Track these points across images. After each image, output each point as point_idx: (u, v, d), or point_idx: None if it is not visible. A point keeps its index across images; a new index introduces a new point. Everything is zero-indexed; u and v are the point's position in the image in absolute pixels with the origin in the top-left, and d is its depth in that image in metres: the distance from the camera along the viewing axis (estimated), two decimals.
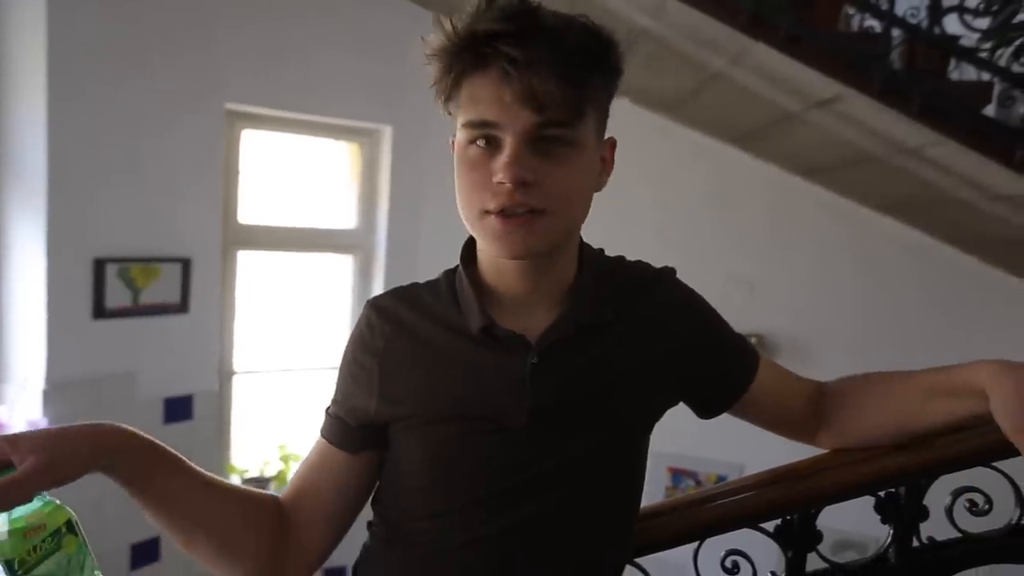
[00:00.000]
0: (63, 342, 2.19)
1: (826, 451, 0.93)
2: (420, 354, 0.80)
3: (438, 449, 0.79)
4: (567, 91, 0.68)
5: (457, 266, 0.84)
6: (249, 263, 2.73)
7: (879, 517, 0.91)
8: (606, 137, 0.80)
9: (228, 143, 2.56)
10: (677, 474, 2.82)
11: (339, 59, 2.64)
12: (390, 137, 2.83)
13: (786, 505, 0.90)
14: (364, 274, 2.90)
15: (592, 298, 0.81)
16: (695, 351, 0.85)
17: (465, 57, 0.70)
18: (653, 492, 2.78)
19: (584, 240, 0.86)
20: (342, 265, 2.90)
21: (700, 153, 2.68)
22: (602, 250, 0.90)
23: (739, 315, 2.64)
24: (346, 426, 0.83)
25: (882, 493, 0.90)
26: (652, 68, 2.33)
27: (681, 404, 0.89)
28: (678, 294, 0.87)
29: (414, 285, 0.87)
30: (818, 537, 0.92)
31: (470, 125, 0.71)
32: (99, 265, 2.24)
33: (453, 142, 0.77)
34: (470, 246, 0.83)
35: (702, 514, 0.92)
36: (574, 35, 0.69)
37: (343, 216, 2.91)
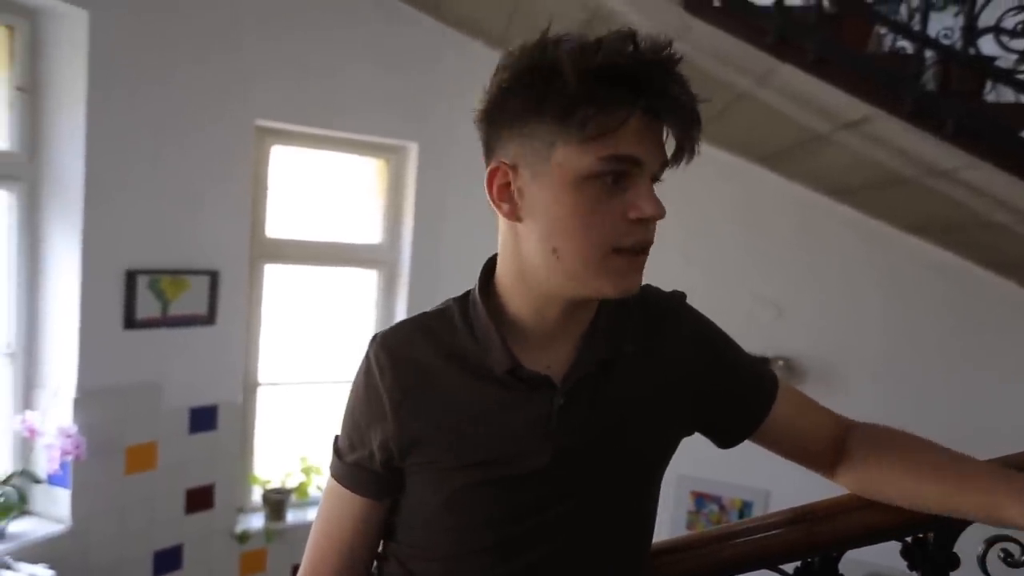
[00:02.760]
0: (94, 351, 2.22)
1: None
2: (437, 395, 0.76)
3: (454, 495, 0.76)
4: (690, 140, 0.69)
5: (468, 295, 0.80)
6: (276, 276, 2.75)
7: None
8: None
9: (257, 158, 2.59)
10: (701, 498, 2.75)
11: (366, 76, 2.66)
12: (416, 154, 2.84)
13: (807, 548, 0.86)
14: (388, 289, 2.91)
15: (612, 331, 0.78)
16: (707, 379, 0.82)
17: (616, 90, 0.65)
18: (675, 516, 2.71)
19: None
20: (367, 280, 2.91)
21: (726, 173, 2.63)
22: None
23: (765, 337, 2.64)
24: (369, 473, 0.79)
25: (909, 538, 0.85)
26: None
27: None
28: (689, 321, 0.84)
29: (423, 317, 0.82)
30: None
31: (611, 159, 0.67)
32: (131, 277, 2.27)
33: (504, 170, 0.71)
34: (488, 274, 0.79)
35: (720, 553, 0.88)
36: (689, 90, 0.69)
37: (368, 231, 2.92)
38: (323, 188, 2.87)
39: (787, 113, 2.11)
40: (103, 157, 2.17)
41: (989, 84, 2.06)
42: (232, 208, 2.52)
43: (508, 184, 0.71)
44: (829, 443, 0.86)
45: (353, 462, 0.80)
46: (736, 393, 0.84)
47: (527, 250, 0.72)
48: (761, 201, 2.66)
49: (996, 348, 2.46)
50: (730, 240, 2.70)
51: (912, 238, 2.54)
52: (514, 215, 0.72)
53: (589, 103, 0.65)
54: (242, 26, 2.44)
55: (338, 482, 0.81)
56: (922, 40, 1.89)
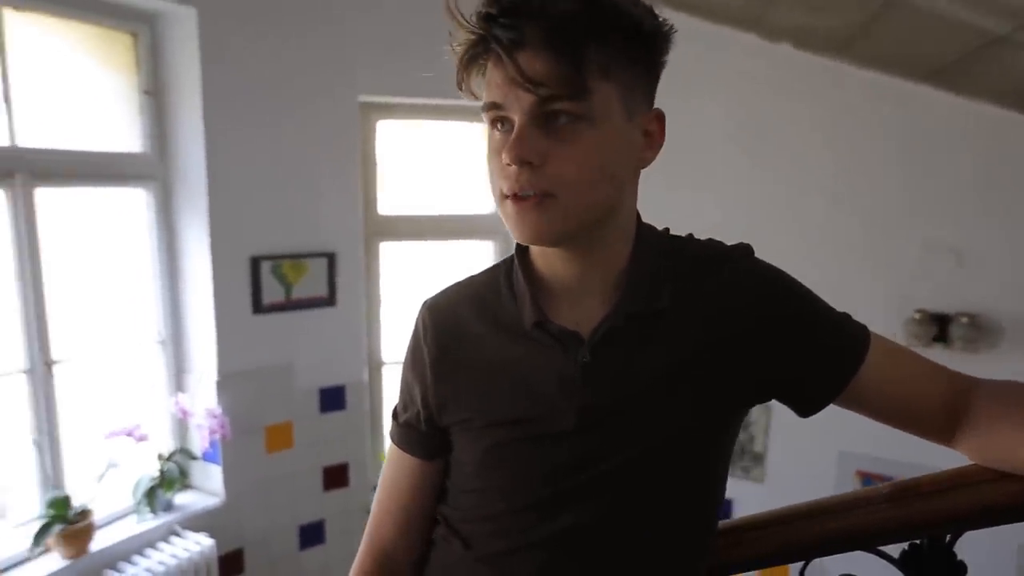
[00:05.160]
0: (229, 336, 2.53)
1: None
2: (473, 356, 0.83)
3: (489, 453, 0.81)
4: (558, 66, 0.67)
5: (513, 255, 0.85)
6: (391, 254, 2.94)
7: None
8: (655, 111, 0.78)
9: (364, 135, 2.77)
10: (868, 479, 2.58)
11: None
12: None
13: (907, 528, 0.80)
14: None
15: (646, 284, 0.78)
16: (773, 338, 0.78)
17: (475, 43, 0.72)
18: None
19: (665, 220, 0.84)
20: (484, 251, 3.02)
21: (881, 97, 2.39)
22: (667, 230, 0.86)
23: (942, 291, 2.40)
24: (418, 432, 0.88)
25: None
26: (811, 3, 2.13)
27: None
28: (750, 274, 0.81)
29: (471, 278, 0.90)
30: (959, 570, 0.81)
31: (485, 108, 0.74)
32: (255, 263, 2.55)
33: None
34: None
35: (807, 531, 0.85)
36: (561, 6, 0.68)
37: (483, 201, 3.02)
38: (433, 160, 3.00)
39: (951, 16, 1.88)
40: (221, 150, 2.44)
41: None
42: (343, 188, 2.73)
43: None
44: (940, 404, 0.79)
45: (404, 422, 0.89)
46: (812, 354, 0.79)
47: None
48: (928, 126, 2.38)
49: None
50: (891, 177, 2.45)
51: None
52: None
53: (466, 61, 0.73)
54: (340, 3, 2.61)
55: (394, 443, 0.91)
56: None
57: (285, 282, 2.61)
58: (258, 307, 2.58)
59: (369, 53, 2.66)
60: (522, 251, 0.84)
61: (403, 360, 0.91)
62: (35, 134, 2.14)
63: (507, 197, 0.73)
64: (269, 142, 2.55)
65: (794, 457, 2.61)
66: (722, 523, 0.86)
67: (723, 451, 0.82)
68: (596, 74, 0.69)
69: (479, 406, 0.81)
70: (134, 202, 2.47)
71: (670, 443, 0.77)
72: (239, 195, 2.50)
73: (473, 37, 0.71)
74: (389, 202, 2.90)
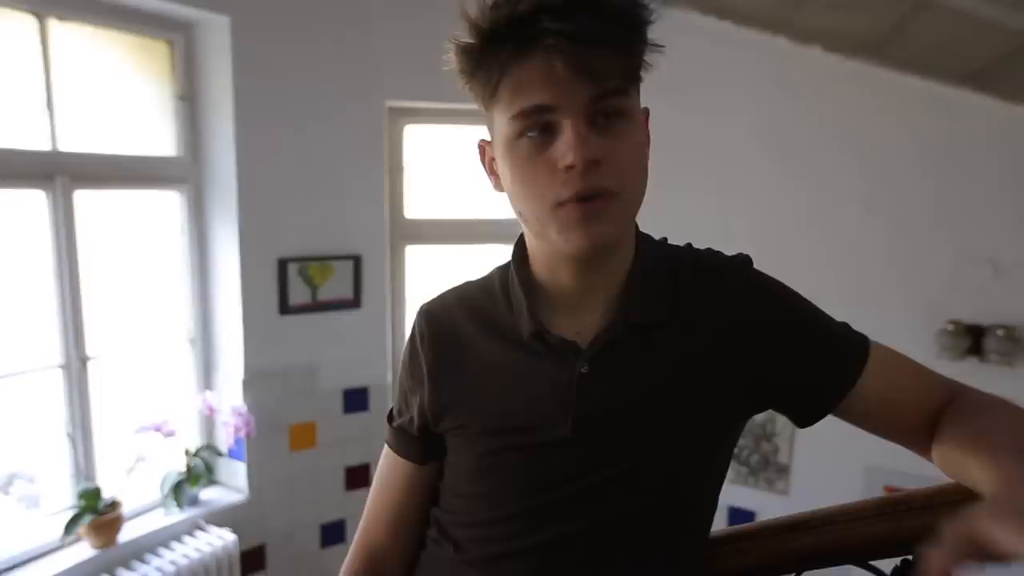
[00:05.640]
0: (256, 336, 2.60)
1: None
2: (469, 363, 0.83)
3: (483, 460, 0.82)
4: (621, 57, 0.68)
5: (508, 263, 0.85)
6: (417, 257, 2.97)
7: None
8: (645, 108, 0.78)
9: (391, 140, 2.81)
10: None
11: None
12: None
13: (895, 543, 0.78)
14: None
15: (646, 295, 0.78)
16: (772, 348, 0.77)
17: (506, 46, 0.68)
18: None
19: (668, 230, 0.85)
20: (509, 256, 3.03)
21: (915, 101, 2.33)
22: (665, 239, 0.86)
23: (978, 302, 2.33)
24: (410, 437, 0.89)
25: None
26: (838, 5, 2.09)
27: None
28: (748, 283, 0.80)
29: (467, 285, 0.90)
30: None
31: (522, 115, 0.69)
32: (282, 265, 2.61)
33: (483, 146, 0.81)
34: (521, 244, 0.85)
35: (789, 543, 0.83)
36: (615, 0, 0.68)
37: (508, 206, 3.03)
38: (461, 164, 3.03)
39: (986, 16, 1.83)
40: (251, 153, 2.51)
41: None
42: (370, 192, 2.78)
43: (493, 159, 0.79)
44: (927, 416, 0.77)
45: (399, 426, 0.90)
46: (811, 362, 0.78)
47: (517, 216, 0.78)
48: (963, 131, 2.31)
49: None
50: (924, 183, 2.39)
51: None
52: (498, 186, 0.80)
53: (488, 69, 0.69)
54: (369, 8, 2.66)
55: (388, 446, 0.92)
56: None
57: (311, 284, 2.67)
58: (285, 308, 2.63)
59: (397, 58, 2.71)
60: (519, 260, 0.84)
61: (401, 366, 0.92)
62: (75, 138, 2.23)
63: (562, 204, 0.70)
64: (298, 146, 2.61)
65: (820, 470, 2.55)
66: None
67: (719, 465, 0.82)
68: (640, 69, 0.71)
69: (474, 413, 0.82)
70: (168, 204, 2.55)
71: (665, 456, 0.77)
72: (268, 198, 2.57)
73: (508, 39, 0.68)
74: (416, 206, 2.94)
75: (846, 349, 0.79)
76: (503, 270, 0.87)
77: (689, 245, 0.86)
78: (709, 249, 0.85)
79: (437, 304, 0.89)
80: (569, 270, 0.78)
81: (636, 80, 0.72)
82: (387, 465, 0.92)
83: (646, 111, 0.78)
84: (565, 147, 0.68)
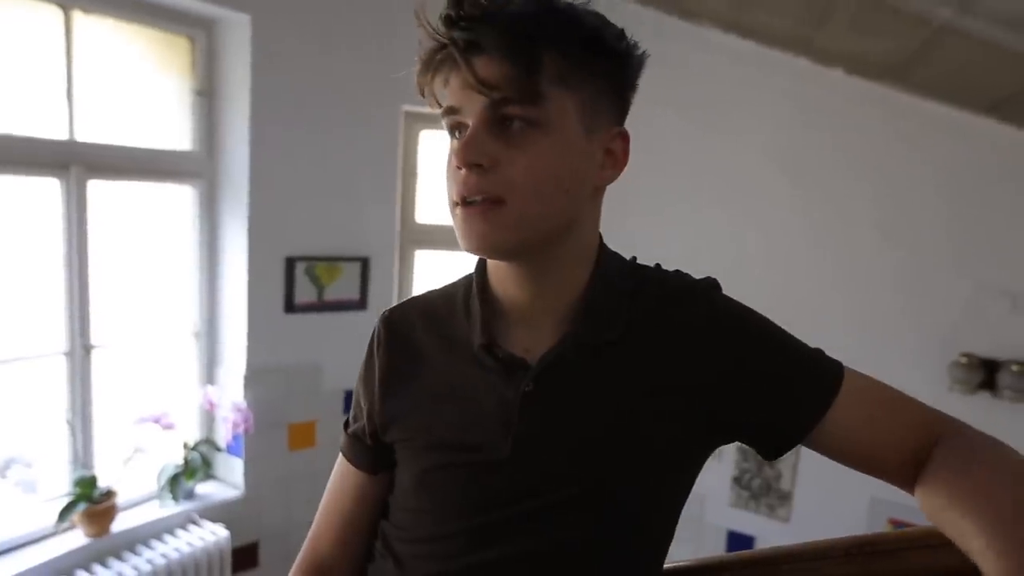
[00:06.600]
0: (260, 333, 2.62)
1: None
2: (422, 374, 0.81)
3: (427, 474, 0.79)
4: (511, 69, 0.67)
5: (472, 273, 0.84)
6: (427, 261, 2.98)
7: None
8: (617, 129, 0.76)
9: (406, 144, 2.82)
10: (902, 527, 2.45)
11: None
12: None
13: None
14: None
15: (600, 313, 0.76)
16: (734, 377, 0.74)
17: (437, 48, 0.72)
18: None
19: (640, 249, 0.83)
20: None
21: (936, 128, 2.30)
22: (634, 258, 0.84)
23: (996, 336, 2.29)
24: (364, 445, 0.87)
25: None
26: (860, 27, 2.07)
27: None
28: (713, 308, 0.78)
29: (431, 293, 0.89)
30: None
31: (442, 114, 0.74)
32: (290, 263, 2.63)
33: None
34: None
35: None
36: (518, 11, 0.69)
37: None
38: None
39: (1010, 45, 1.80)
40: (265, 152, 2.54)
41: None
42: (382, 195, 2.79)
43: None
44: (911, 453, 0.72)
45: (353, 433, 0.89)
46: (773, 395, 0.75)
47: None
48: (985, 161, 2.28)
49: None
50: (942, 211, 2.35)
51: None
52: None
53: (425, 72, 0.73)
54: (388, 12, 2.68)
55: (342, 453, 0.90)
56: None
57: (318, 283, 2.68)
58: (290, 306, 2.65)
59: (416, 64, 2.72)
60: (481, 270, 0.82)
61: (360, 372, 0.90)
62: (92, 129, 2.27)
63: (456, 204, 0.72)
64: (313, 146, 2.63)
65: (823, 498, 2.50)
66: (668, 565, 0.83)
67: (673, 495, 0.78)
68: (551, 81, 0.69)
69: (421, 426, 0.80)
70: (180, 198, 2.58)
71: (610, 484, 0.74)
72: (280, 196, 2.59)
73: (435, 43, 0.72)
74: (428, 211, 2.95)
75: (815, 377, 0.75)
76: (468, 279, 0.85)
77: (658, 266, 0.84)
78: (677, 271, 0.83)
79: (398, 312, 0.87)
80: (511, 280, 0.77)
81: (537, 91, 0.68)
82: (339, 473, 0.91)
83: (620, 132, 0.76)
84: (456, 148, 0.71)
